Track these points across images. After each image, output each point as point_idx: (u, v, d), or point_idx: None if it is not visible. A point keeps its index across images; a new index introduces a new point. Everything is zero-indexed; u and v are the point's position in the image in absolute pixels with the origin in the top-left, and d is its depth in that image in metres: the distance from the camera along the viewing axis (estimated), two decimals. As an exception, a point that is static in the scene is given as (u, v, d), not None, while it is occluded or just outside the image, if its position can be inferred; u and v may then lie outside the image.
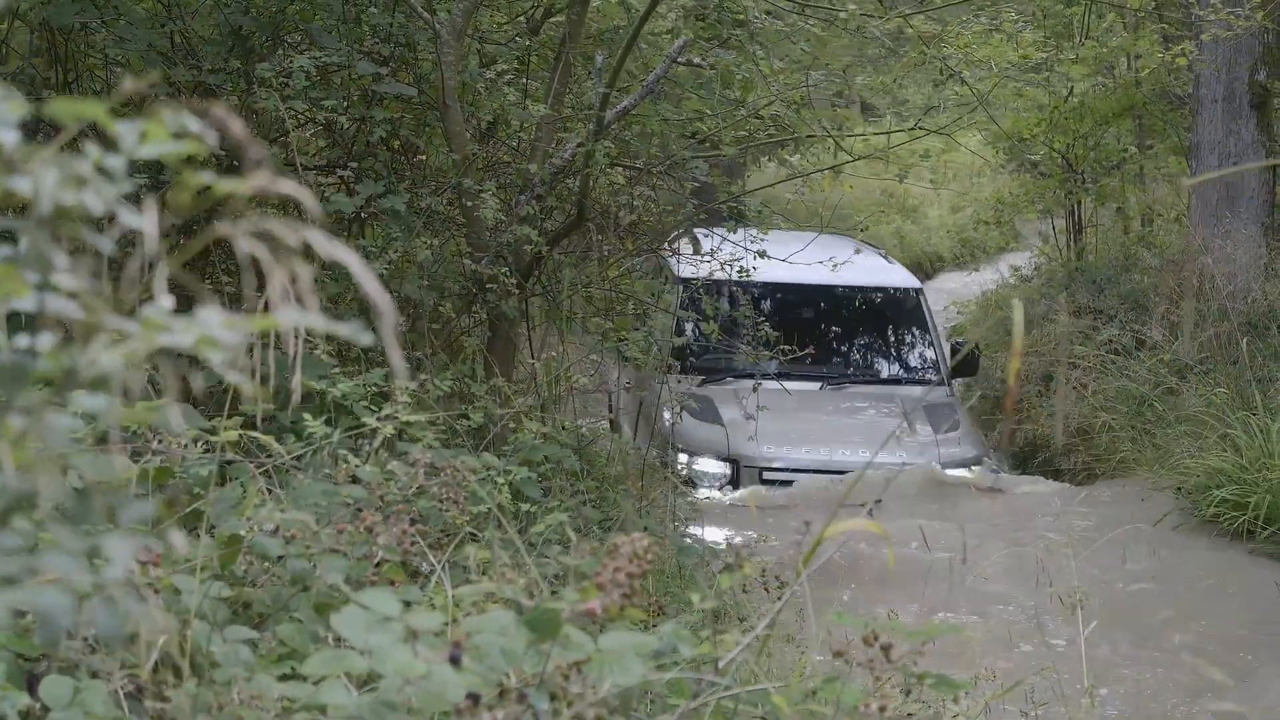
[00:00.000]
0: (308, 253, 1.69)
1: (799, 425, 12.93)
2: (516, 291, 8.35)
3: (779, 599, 3.75)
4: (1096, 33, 20.23)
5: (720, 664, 3.38)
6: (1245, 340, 14.29)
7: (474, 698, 2.77)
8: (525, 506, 5.74)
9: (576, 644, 3.04)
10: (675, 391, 11.36)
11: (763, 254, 10.66)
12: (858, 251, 13.52)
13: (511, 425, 7.07)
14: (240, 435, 4.88)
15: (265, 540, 4.02)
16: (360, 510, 4.28)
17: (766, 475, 12.63)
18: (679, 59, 8.69)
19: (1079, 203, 22.11)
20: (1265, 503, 11.72)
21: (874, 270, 14.94)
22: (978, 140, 25.32)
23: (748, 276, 11.70)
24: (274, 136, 7.85)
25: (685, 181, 9.15)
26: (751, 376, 12.46)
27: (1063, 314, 17.77)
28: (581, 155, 8.40)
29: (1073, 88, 20.87)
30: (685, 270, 12.38)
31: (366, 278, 1.67)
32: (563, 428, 7.69)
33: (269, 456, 5.09)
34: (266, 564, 4.09)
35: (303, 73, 7.58)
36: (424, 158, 8.44)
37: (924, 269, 30.61)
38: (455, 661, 2.86)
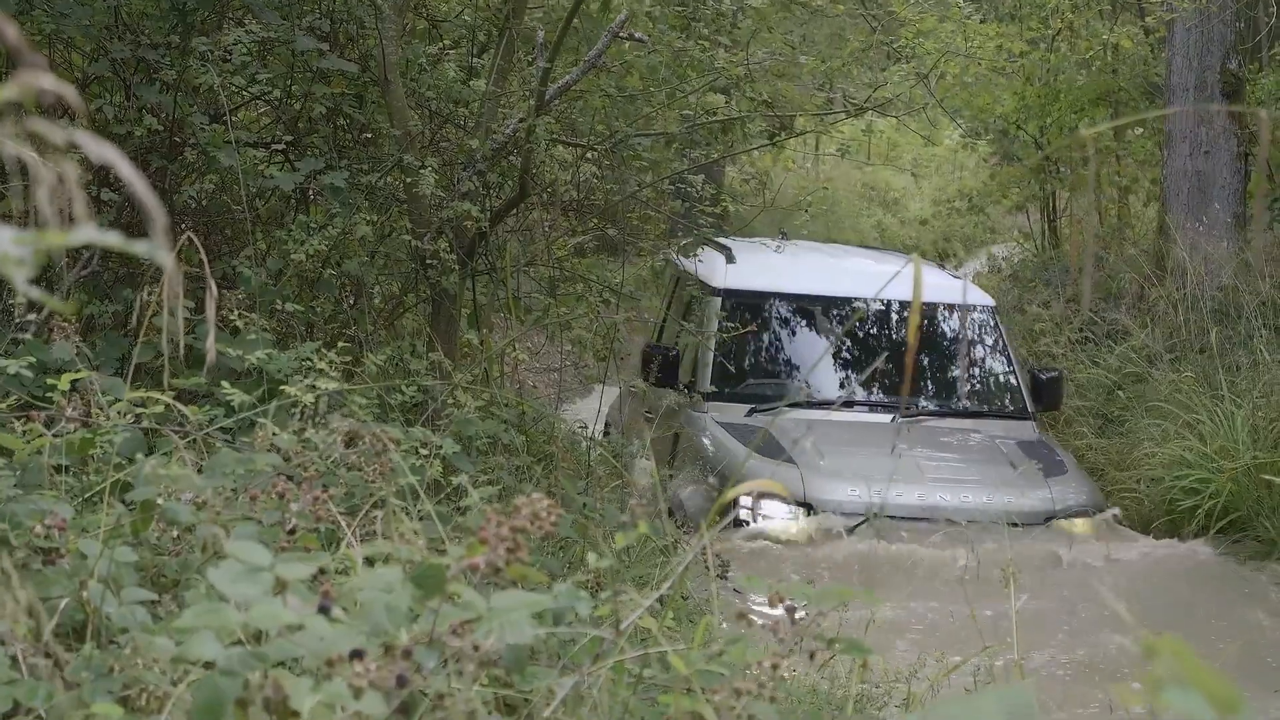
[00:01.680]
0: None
1: (878, 464, 10.64)
2: (458, 268, 8.31)
3: (693, 566, 3.71)
4: (1074, 21, 20.24)
5: (622, 625, 3.33)
6: (1215, 329, 14.30)
7: (357, 653, 2.73)
8: (457, 480, 5.70)
9: (467, 602, 2.99)
10: (722, 423, 10.66)
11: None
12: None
13: (450, 401, 7.03)
14: (166, 406, 4.84)
15: (176, 507, 3.99)
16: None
17: (851, 523, 10.46)
18: (620, 34, 8.65)
19: (1054, 193, 22.13)
20: (1227, 489, 11.73)
21: (940, 285, 12.90)
22: (958, 132, 25.34)
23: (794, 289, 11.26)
24: (216, 114, 7.80)
25: (629, 158, 9.10)
26: (811, 406, 11.17)
27: (1034, 303, 17.78)
28: (523, 131, 8.37)
29: (1046, 70, 20.89)
30: (727, 279, 11.70)
31: (135, 180, 1.62)
32: (504, 404, 7.65)
33: (196, 428, 5.05)
34: (179, 531, 4.06)
35: (241, 47, 7.55)
36: (368, 134, 8.41)
37: (900, 250, 30.62)
38: (324, 611, 2.81)
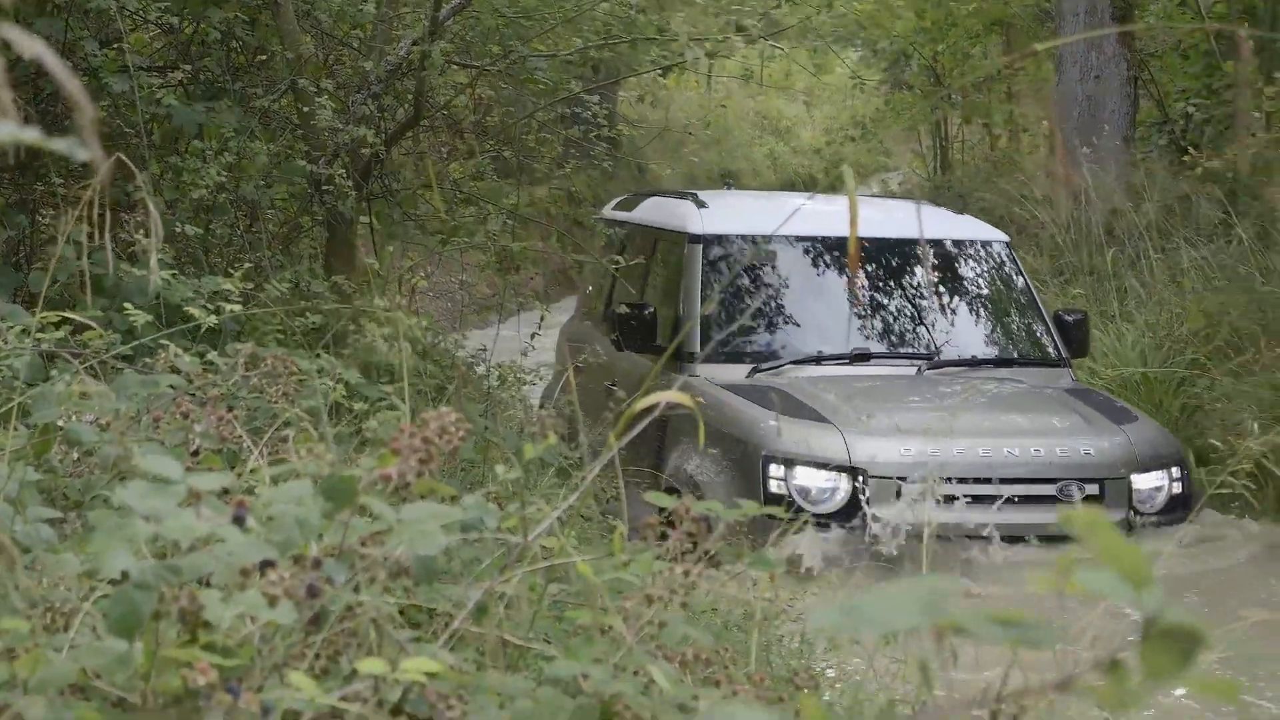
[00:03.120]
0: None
1: (926, 418, 9.30)
2: (354, 192, 8.28)
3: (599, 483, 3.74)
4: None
5: (530, 537, 3.36)
6: (1110, 252, 14.46)
7: (268, 564, 2.74)
8: (359, 405, 5.72)
9: (377, 514, 3.01)
10: (724, 386, 9.51)
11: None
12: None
13: (352, 327, 7.02)
14: (66, 334, 4.83)
15: (78, 428, 3.98)
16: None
17: (907, 491, 9.03)
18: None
19: (945, 119, 22.25)
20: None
21: (947, 220, 11.65)
22: (853, 59, 25.40)
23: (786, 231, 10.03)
24: (107, 39, 7.73)
25: (525, 80, 9.06)
26: (817, 361, 10.12)
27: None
28: (417, 54, 8.33)
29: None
30: (705, 225, 10.58)
31: (63, 74, 1.62)
32: (407, 329, 7.62)
33: (94, 353, 5.03)
34: (81, 453, 4.05)
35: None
36: (262, 57, 8.36)
37: (796, 189, 30.69)
38: (239, 522, 2.82)
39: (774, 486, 9.02)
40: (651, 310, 10.00)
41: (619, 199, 12.85)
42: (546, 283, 19.15)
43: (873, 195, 16.37)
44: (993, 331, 11.16)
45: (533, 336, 11.03)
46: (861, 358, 10.22)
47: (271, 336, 5.91)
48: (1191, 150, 15.89)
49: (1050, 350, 10.88)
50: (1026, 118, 22.08)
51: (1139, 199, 15.48)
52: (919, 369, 10.26)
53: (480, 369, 8.97)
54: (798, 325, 10.46)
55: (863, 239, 10.69)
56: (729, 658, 3.46)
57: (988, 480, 9.03)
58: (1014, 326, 11.14)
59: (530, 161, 9.88)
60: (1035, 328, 11.06)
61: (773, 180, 32.62)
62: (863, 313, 10.73)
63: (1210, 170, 14.85)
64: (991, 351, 10.86)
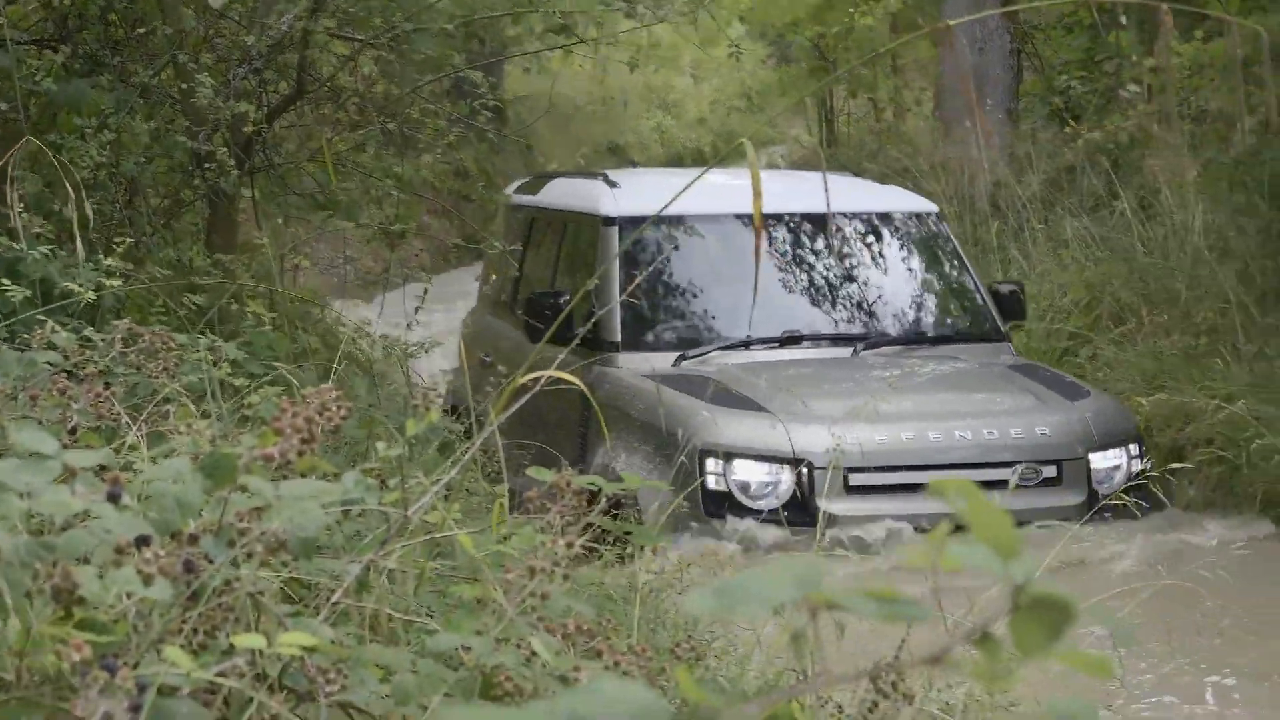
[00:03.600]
0: None
1: (861, 404, 8.73)
2: (236, 168, 8.23)
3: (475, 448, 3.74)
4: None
5: (409, 511, 3.35)
6: (995, 224, 14.59)
7: (144, 540, 2.72)
8: (242, 381, 5.68)
9: (256, 491, 3.00)
10: (650, 377, 8.96)
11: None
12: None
13: (234, 304, 6.99)
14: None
15: (-48, 406, 3.94)
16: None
17: (855, 482, 8.63)
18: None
19: (830, 92, 22.34)
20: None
21: (873, 192, 11.12)
22: (739, 34, 25.39)
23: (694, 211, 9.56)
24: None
25: (408, 53, 9.00)
26: (746, 345, 9.62)
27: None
28: (298, 30, 8.29)
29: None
30: (620, 205, 9.93)
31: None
32: (290, 302, 7.62)
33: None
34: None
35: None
36: (141, 30, 8.28)
37: (684, 163, 30.72)
38: (114, 499, 2.80)
39: (712, 482, 8.51)
40: (565, 297, 9.40)
41: (522, 182, 12.30)
42: (432, 256, 19.09)
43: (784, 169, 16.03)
44: (928, 307, 10.68)
45: (416, 310, 10.96)
46: (793, 340, 9.77)
47: (153, 314, 5.86)
48: (1073, 122, 16.04)
49: (988, 324, 10.41)
50: (912, 91, 22.24)
51: (1023, 171, 15.61)
52: (854, 350, 9.81)
53: (364, 343, 8.92)
54: (724, 309, 9.87)
55: (786, 215, 10.33)
56: (611, 629, 3.47)
57: (939, 467, 8.53)
58: (950, 301, 10.67)
59: (415, 134, 9.80)
60: (972, 301, 10.56)
61: (660, 154, 32.64)
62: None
63: (1092, 142, 15.00)
64: (929, 329, 10.43)
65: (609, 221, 9.84)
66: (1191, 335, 11.88)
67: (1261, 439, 9.85)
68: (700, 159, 32.86)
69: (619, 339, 9.51)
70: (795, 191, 10.81)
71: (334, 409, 3.07)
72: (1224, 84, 13.22)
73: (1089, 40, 17.54)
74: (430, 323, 11.67)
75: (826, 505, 7.94)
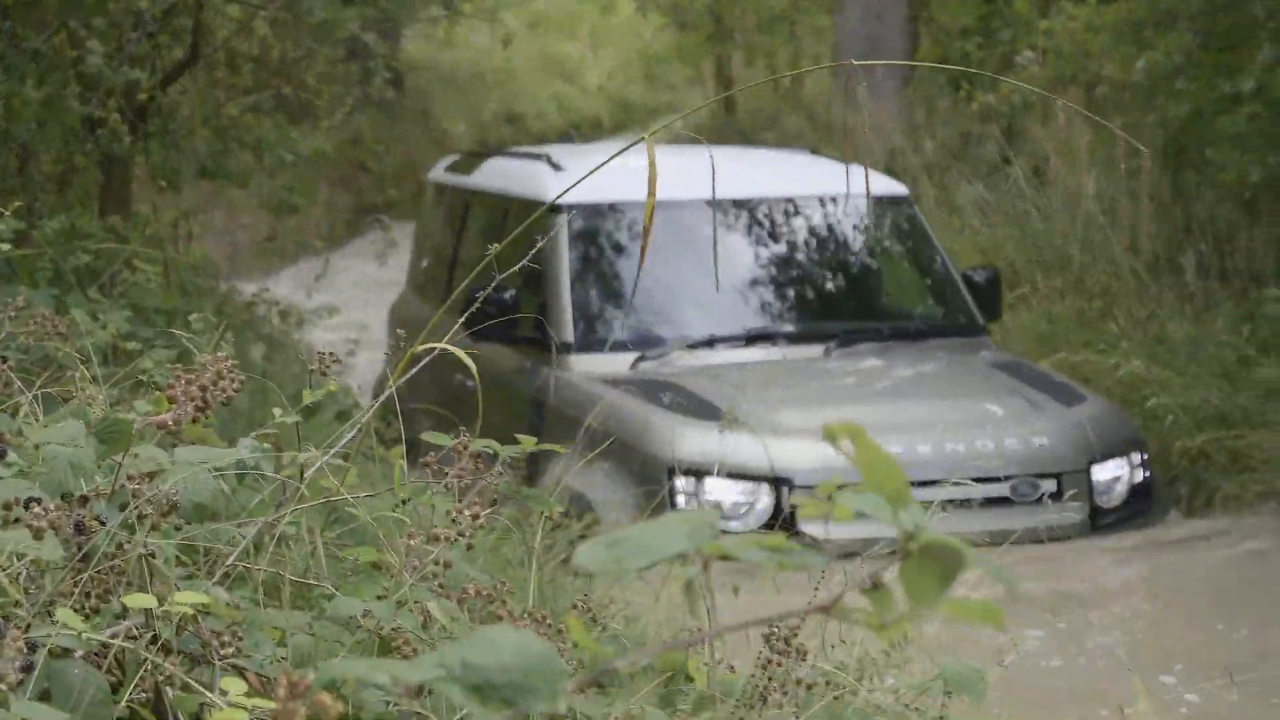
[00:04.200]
0: None
1: (853, 413, 7.97)
2: (129, 134, 8.17)
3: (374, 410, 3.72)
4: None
5: (305, 475, 3.35)
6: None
7: (34, 499, 2.70)
8: (133, 345, 5.65)
9: (149, 457, 2.99)
10: (607, 380, 8.28)
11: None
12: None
13: (125, 269, 6.94)
14: None
15: None
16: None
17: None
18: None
19: (728, 59, 22.38)
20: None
21: (836, 173, 9.94)
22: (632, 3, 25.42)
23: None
24: None
25: (307, 19, 8.93)
26: (710, 344, 8.84)
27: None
28: (193, -7, 8.25)
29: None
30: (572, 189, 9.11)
31: None
32: (183, 271, 7.57)
33: None
34: None
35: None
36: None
37: (583, 133, 30.69)
38: (0, 456, 2.78)
39: (682, 502, 7.82)
40: (512, 295, 8.56)
41: (451, 160, 11.55)
42: (331, 226, 19.01)
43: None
44: (903, 301, 10.00)
45: (316, 279, 10.93)
46: (760, 339, 9.00)
47: (43, 277, 5.82)
48: (968, 87, 16.15)
49: (965, 317, 9.63)
50: (809, 58, 22.30)
51: (919, 138, 15.69)
52: (826, 349, 9.01)
53: (261, 310, 8.89)
54: (684, 305, 9.14)
55: (742, 200, 9.52)
56: (508, 593, 3.47)
57: (931, 483, 7.59)
58: (926, 293, 9.91)
59: (310, 98, 9.72)
60: (948, 292, 9.76)
61: (558, 124, 32.60)
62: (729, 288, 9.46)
63: (987, 107, 15.09)
64: (904, 324, 9.63)
65: (556, 209, 8.83)
66: (1084, 299, 12.01)
67: (1157, 398, 9.96)
68: (599, 128, 32.87)
69: (571, 339, 8.72)
70: (757, 173, 10.02)
71: (227, 377, 3.06)
72: (1116, 48, 13.31)
73: (985, 6, 17.65)
74: (331, 289, 11.60)
75: (810, 528, 7.53)
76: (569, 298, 8.80)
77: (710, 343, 8.82)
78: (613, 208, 9.15)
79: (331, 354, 3.53)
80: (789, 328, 9.19)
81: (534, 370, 8.61)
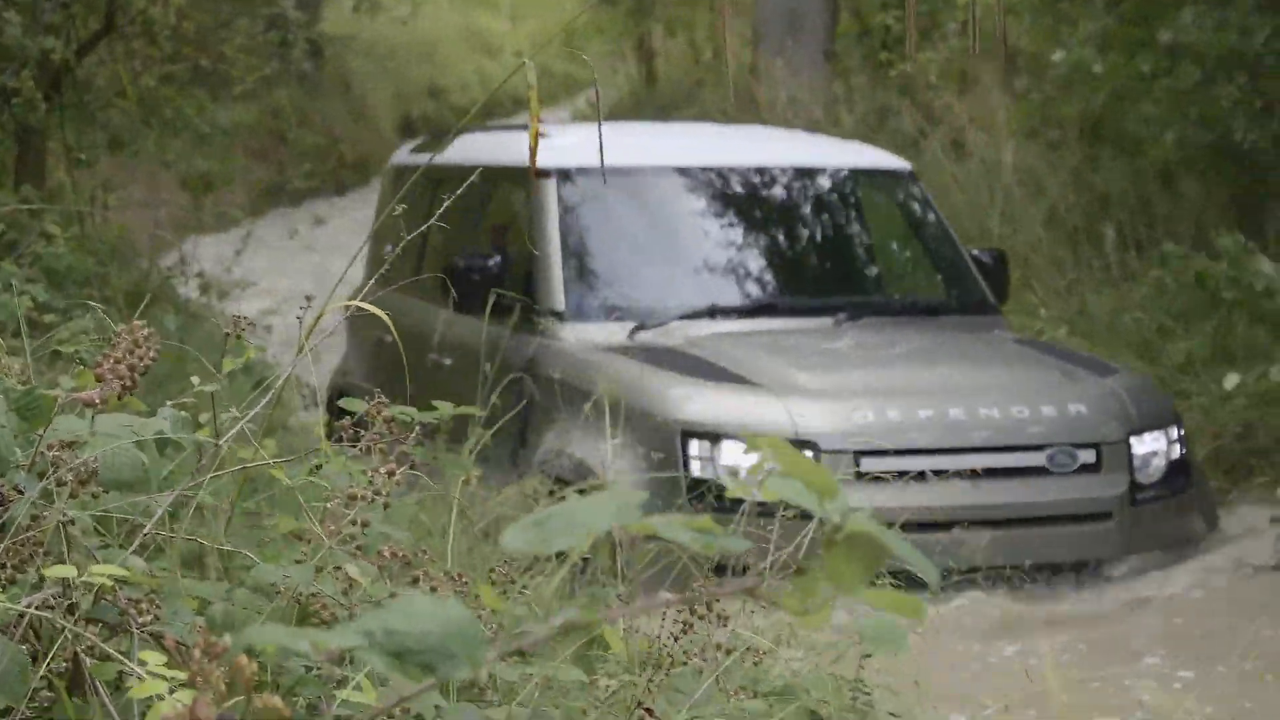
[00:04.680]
0: None
1: (875, 377, 7.93)
2: (44, 104, 8.11)
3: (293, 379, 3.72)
4: None
5: (222, 442, 3.34)
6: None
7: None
8: (50, 317, 5.61)
9: (67, 429, 2.97)
10: (608, 349, 7.93)
11: None
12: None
13: (42, 239, 6.88)
14: None
15: None
16: None
17: (867, 467, 7.29)
18: None
19: (649, 33, 22.36)
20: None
21: (841, 147, 9.86)
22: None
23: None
24: None
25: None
26: (710, 315, 8.37)
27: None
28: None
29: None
30: (562, 157, 8.62)
31: None
32: (100, 240, 7.53)
33: None
34: None
35: None
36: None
37: (505, 109, 30.60)
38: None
39: (697, 468, 7.29)
40: (498, 261, 8.32)
41: (419, 141, 10.95)
42: (252, 199, 18.91)
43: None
44: (913, 276, 9.62)
45: (238, 253, 10.88)
46: (764, 310, 8.55)
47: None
48: (886, 54, 16.20)
49: (978, 296, 9.07)
50: (731, 31, 22.25)
51: (838, 112, 15.73)
52: (836, 321, 8.52)
53: (180, 283, 8.84)
54: (683, 274, 8.73)
55: (746, 168, 9.09)
56: (428, 559, 3.47)
57: (963, 450, 7.36)
58: (936, 269, 9.43)
59: (227, 69, 9.63)
60: (959, 270, 9.24)
61: (481, 97, 32.52)
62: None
63: (906, 78, 15.14)
64: (915, 299, 9.23)
65: (544, 174, 8.58)
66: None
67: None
68: (521, 103, 32.75)
69: (563, 308, 8.28)
70: (756, 148, 9.67)
71: (144, 345, 3.05)
72: (1036, 21, 13.39)
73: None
74: (250, 264, 11.52)
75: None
76: (560, 265, 8.41)
77: (711, 313, 8.40)
78: (612, 172, 8.72)
79: (246, 319, 3.52)
80: (795, 300, 8.77)
81: (521, 341, 8.17)
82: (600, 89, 14.58)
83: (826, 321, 8.49)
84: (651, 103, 19.66)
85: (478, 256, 8.41)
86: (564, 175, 8.61)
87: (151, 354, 3.03)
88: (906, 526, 6.32)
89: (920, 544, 6.09)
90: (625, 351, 7.94)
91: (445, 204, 3.63)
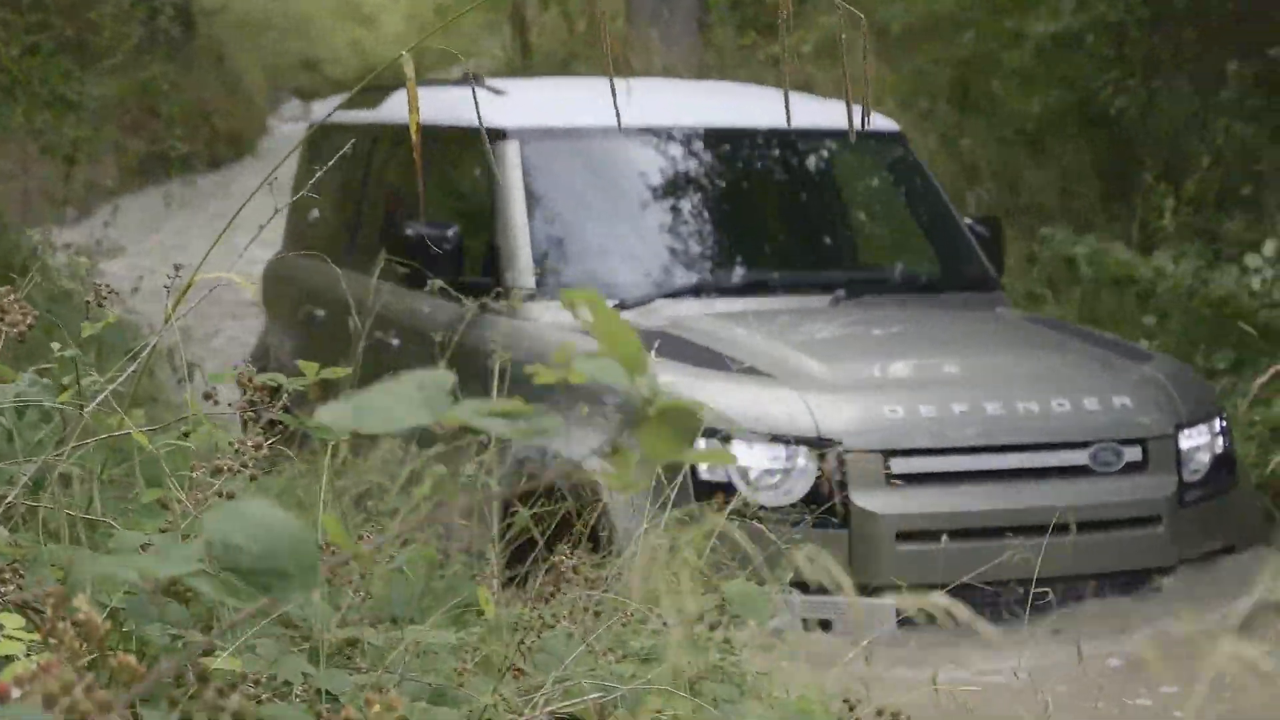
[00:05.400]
0: None
1: (898, 366, 7.09)
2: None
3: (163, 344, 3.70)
4: None
5: (87, 410, 3.31)
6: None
7: None
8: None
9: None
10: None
11: None
12: None
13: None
14: None
15: None
16: None
17: (898, 469, 6.46)
18: None
19: (523, 4, 22.30)
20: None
21: (825, 106, 8.41)
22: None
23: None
24: None
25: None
26: (695, 293, 7.51)
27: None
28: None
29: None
30: (519, 116, 7.87)
31: None
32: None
33: None
34: None
35: None
36: None
37: (382, 79, 30.37)
38: None
39: (705, 471, 6.30)
40: (456, 231, 7.43)
41: (346, 96, 9.99)
42: (122, 174, 18.72)
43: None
44: (910, 248, 8.79)
45: (105, 225, 10.77)
46: (754, 288, 7.71)
47: None
48: (752, 35, 16.25)
49: (979, 269, 8.26)
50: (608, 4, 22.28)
51: (709, 74, 15.75)
52: (834, 299, 7.67)
53: (49, 254, 8.75)
54: (667, 247, 7.86)
55: (725, 130, 8.25)
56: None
57: (1002, 449, 6.64)
58: (934, 242, 8.61)
59: (94, 38, 9.49)
60: (957, 242, 8.42)
61: (357, 68, 32.32)
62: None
63: (779, 54, 15.19)
64: (916, 274, 8.40)
65: (500, 135, 7.70)
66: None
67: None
68: (398, 73, 32.43)
69: (532, 284, 7.41)
70: (739, 104, 8.74)
71: (17, 312, 3.03)
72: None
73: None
74: (125, 233, 11.41)
75: (862, 501, 6.34)
76: (526, 237, 7.52)
77: (698, 291, 7.56)
78: (570, 133, 7.91)
79: (108, 286, 3.49)
80: (788, 275, 7.90)
81: (484, 322, 7.13)
82: (475, 60, 14.42)
83: (822, 300, 7.67)
84: (526, 74, 19.59)
85: (435, 225, 7.50)
86: (526, 136, 7.77)
87: (29, 320, 3.02)
88: (936, 535, 6.16)
89: (958, 556, 6.00)
90: None
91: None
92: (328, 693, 2.98)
